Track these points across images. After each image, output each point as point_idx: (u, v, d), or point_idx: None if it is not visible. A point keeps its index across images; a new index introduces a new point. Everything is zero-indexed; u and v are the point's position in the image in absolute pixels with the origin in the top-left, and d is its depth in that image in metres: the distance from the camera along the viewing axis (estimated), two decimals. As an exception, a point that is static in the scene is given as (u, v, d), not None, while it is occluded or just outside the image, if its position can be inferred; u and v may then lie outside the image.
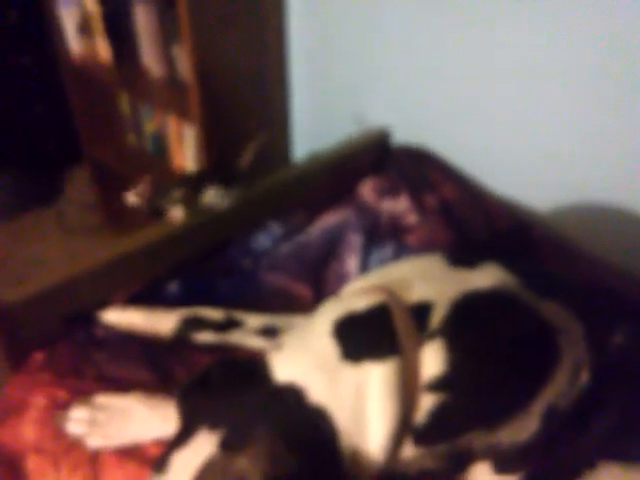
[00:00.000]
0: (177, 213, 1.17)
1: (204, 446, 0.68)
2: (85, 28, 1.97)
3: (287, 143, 2.00)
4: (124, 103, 2.13)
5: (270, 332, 1.09)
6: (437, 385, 0.74)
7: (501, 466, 0.80)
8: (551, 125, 1.37)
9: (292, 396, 0.72)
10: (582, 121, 1.31)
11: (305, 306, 1.16)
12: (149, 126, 2.07)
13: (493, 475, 0.81)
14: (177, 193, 1.19)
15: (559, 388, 0.78)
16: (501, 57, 1.39)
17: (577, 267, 1.24)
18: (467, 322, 0.78)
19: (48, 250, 2.33)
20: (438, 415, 0.74)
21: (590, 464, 0.78)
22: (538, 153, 1.42)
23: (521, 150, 1.45)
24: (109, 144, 2.25)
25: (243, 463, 0.66)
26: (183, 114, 1.77)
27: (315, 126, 1.91)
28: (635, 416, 0.81)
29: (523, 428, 0.77)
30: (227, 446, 0.67)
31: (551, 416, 0.78)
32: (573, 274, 1.09)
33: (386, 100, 1.67)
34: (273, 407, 0.71)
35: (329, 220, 1.38)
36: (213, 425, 0.70)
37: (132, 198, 1.20)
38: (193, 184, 1.22)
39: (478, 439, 0.78)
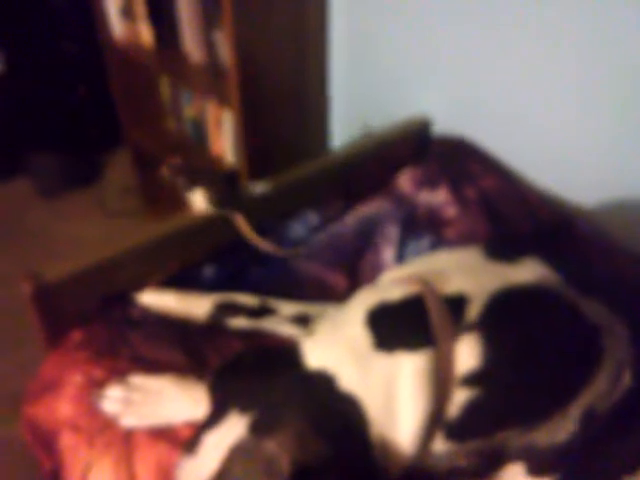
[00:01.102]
0: (198, 201, 1.18)
1: (234, 428, 0.68)
2: (128, 12, 1.99)
3: (325, 132, 1.98)
4: (164, 87, 2.15)
5: (303, 320, 1.08)
6: (472, 379, 0.73)
7: (535, 468, 0.78)
8: (596, 120, 1.32)
9: (323, 382, 0.71)
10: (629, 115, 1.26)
11: (339, 295, 1.15)
12: (189, 111, 2.08)
13: (527, 477, 0.79)
14: (202, 182, 1.19)
15: (599, 389, 0.76)
16: (550, 55, 1.34)
17: (622, 265, 1.20)
18: (505, 316, 0.76)
19: (88, 230, 2.38)
20: (471, 410, 0.73)
21: (631, 469, 0.75)
22: (583, 148, 1.37)
23: (565, 145, 1.40)
24: (149, 128, 2.27)
25: (272, 447, 0.66)
26: (222, 100, 1.77)
27: (354, 114, 1.89)
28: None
29: (560, 429, 0.75)
30: (257, 429, 0.68)
31: (590, 418, 0.75)
32: (617, 272, 1.06)
33: (429, 89, 1.63)
34: (304, 392, 0.71)
35: (366, 210, 1.37)
36: (244, 408, 0.70)
37: (165, 170, 1.21)
38: (221, 179, 1.23)
39: (512, 438, 0.76)
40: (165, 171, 1.24)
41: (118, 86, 2.19)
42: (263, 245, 1.21)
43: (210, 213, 1.20)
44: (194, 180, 1.22)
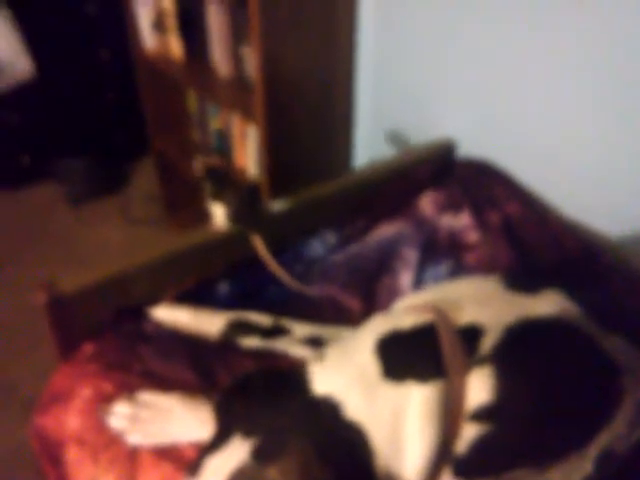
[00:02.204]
0: (218, 216, 1.17)
1: (237, 453, 0.67)
2: (160, 24, 2.02)
3: (349, 151, 1.97)
4: (192, 99, 2.17)
5: (316, 342, 1.07)
6: (482, 414, 0.70)
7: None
8: (625, 147, 1.29)
9: (329, 410, 0.70)
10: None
11: (354, 318, 1.14)
12: (214, 123, 2.10)
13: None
14: (226, 196, 1.19)
15: (617, 433, 0.73)
16: (574, 79, 1.32)
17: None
18: (521, 350, 0.74)
19: (110, 236, 2.41)
20: (481, 447, 0.70)
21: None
22: (611, 176, 1.33)
23: (593, 173, 1.37)
24: (175, 138, 2.30)
25: (274, 474, 0.64)
26: (247, 114, 1.78)
27: (378, 134, 1.88)
28: None
29: (575, 471, 0.72)
30: (259, 455, 0.66)
31: (607, 460, 0.72)
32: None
33: (453, 111, 1.61)
34: (308, 419, 0.70)
35: (385, 232, 1.35)
36: (248, 432, 0.69)
37: (199, 165, 1.21)
38: (244, 194, 1.22)
39: (525, 478, 0.73)
40: (198, 166, 1.23)
41: (147, 96, 2.22)
42: (276, 270, 1.20)
43: (228, 229, 1.20)
44: (219, 191, 1.21)
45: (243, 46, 1.77)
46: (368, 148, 1.93)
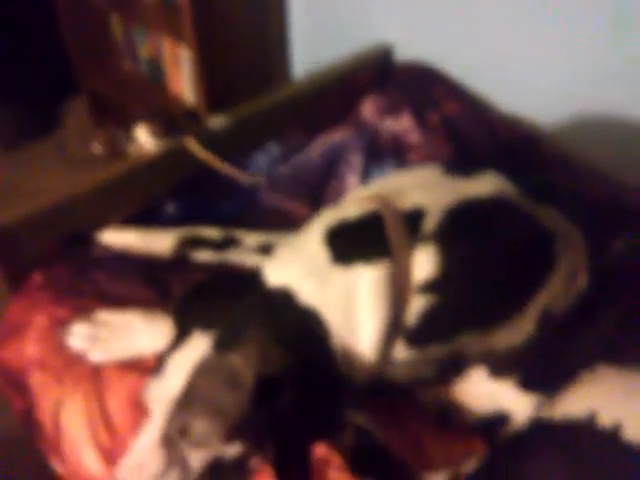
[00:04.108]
0: (143, 136, 1.14)
1: (197, 347, 0.69)
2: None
3: (286, 62, 1.92)
4: (116, 26, 2.06)
5: (268, 250, 1.08)
6: (428, 287, 0.74)
7: (496, 370, 0.81)
8: (556, 38, 1.31)
9: (283, 298, 0.72)
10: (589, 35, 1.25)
11: (303, 225, 1.15)
12: (144, 51, 2.01)
13: (488, 379, 0.82)
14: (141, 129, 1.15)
15: (554, 293, 0.78)
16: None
17: (588, 184, 1.20)
18: (461, 227, 0.78)
19: (49, 180, 2.31)
20: (429, 316, 0.75)
21: (588, 367, 0.78)
22: (545, 68, 1.36)
23: (526, 66, 1.39)
24: (105, 72, 2.19)
25: (235, 360, 0.67)
26: (177, 36, 1.71)
27: (314, 44, 1.83)
28: (633, 322, 0.81)
29: (518, 332, 0.77)
30: (220, 346, 0.68)
31: (546, 320, 0.78)
32: (576, 185, 1.07)
33: (389, 15, 1.59)
34: (265, 309, 0.72)
35: (329, 140, 1.35)
36: (206, 327, 0.71)
37: (96, 148, 1.16)
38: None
39: (471, 343, 0.78)
40: (96, 149, 1.17)
41: (69, 28, 2.10)
42: (220, 166, 1.16)
43: (157, 147, 1.16)
44: (129, 138, 1.17)
45: (164, -39, 1.68)
46: (307, 58, 1.88)
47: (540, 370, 0.79)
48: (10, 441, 1.36)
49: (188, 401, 0.68)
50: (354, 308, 0.73)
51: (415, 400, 0.90)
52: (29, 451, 1.15)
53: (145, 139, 1.13)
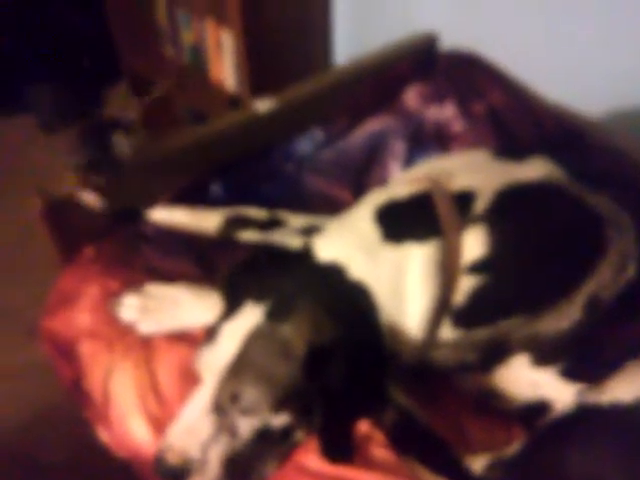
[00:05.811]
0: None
1: (250, 317, 0.71)
2: None
3: (328, 50, 1.93)
4: (161, 9, 2.08)
5: (312, 232, 1.09)
6: (478, 267, 0.75)
7: (540, 357, 0.81)
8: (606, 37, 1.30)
9: (334, 272, 0.74)
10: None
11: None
12: (187, 37, 2.03)
13: (532, 367, 0.82)
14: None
15: (603, 279, 0.78)
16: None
17: (631, 173, 1.19)
18: (511, 209, 0.78)
19: (91, 163, 2.36)
20: (477, 296, 0.75)
21: (632, 356, 0.77)
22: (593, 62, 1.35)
23: (575, 59, 1.38)
24: (147, 57, 2.22)
25: (287, 330, 0.69)
26: (221, 19, 1.72)
27: (358, 32, 1.83)
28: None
29: (564, 317, 0.77)
30: (272, 315, 0.70)
31: (594, 306, 0.77)
32: (626, 178, 1.06)
33: (434, 1, 1.58)
34: (315, 282, 0.74)
35: (372, 126, 1.35)
36: (259, 298, 0.73)
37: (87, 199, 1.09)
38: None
39: (517, 328, 0.78)
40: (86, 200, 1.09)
41: (113, 12, 2.14)
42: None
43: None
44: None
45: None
46: (349, 47, 1.88)
47: (585, 359, 0.79)
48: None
49: (240, 369, 0.70)
50: (403, 285, 0.74)
51: (454, 384, 0.90)
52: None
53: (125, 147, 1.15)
